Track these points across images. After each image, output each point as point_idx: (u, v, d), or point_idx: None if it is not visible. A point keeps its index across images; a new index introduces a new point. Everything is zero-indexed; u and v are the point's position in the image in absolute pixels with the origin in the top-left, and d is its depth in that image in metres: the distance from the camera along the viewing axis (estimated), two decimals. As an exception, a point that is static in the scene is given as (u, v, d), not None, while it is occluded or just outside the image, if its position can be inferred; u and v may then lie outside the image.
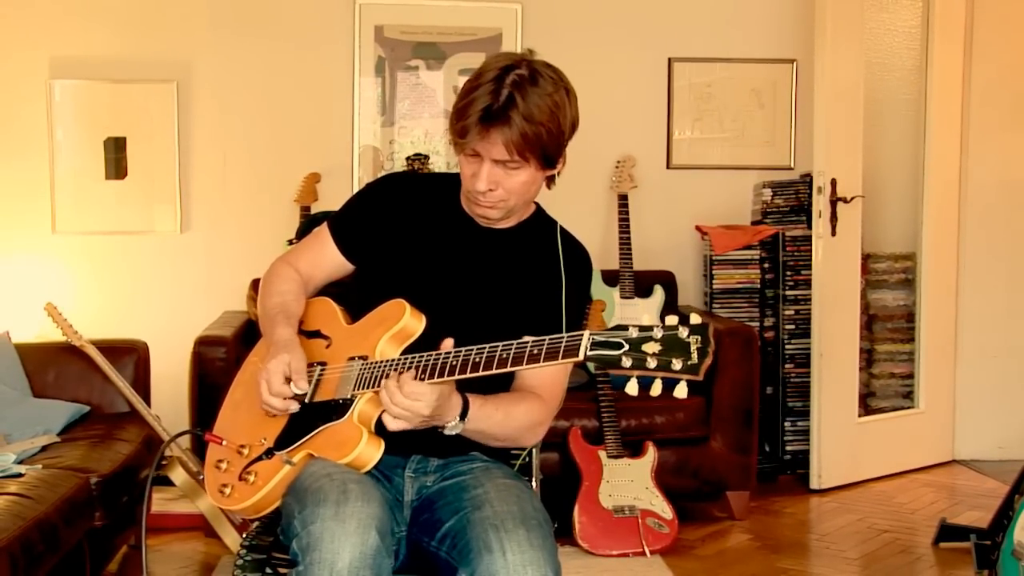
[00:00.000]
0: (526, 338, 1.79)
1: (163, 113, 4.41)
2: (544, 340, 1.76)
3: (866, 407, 4.71)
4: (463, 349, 1.82)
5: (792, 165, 4.74)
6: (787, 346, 4.50)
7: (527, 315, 2.06)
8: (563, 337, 1.74)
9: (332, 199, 4.04)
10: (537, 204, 2.19)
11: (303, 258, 2.22)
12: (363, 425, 1.91)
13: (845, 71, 4.33)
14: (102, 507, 2.95)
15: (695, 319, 1.68)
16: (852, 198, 4.36)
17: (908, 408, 4.79)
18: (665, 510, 3.67)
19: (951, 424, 4.85)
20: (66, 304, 3.77)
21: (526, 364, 1.76)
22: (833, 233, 4.33)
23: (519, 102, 1.91)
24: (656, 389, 1.69)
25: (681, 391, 1.68)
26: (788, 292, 4.49)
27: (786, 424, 4.50)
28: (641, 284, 4.26)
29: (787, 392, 4.50)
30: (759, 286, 4.50)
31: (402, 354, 1.95)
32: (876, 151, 4.68)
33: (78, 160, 4.38)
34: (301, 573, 1.75)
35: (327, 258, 2.20)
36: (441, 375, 1.82)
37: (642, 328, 1.69)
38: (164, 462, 3.43)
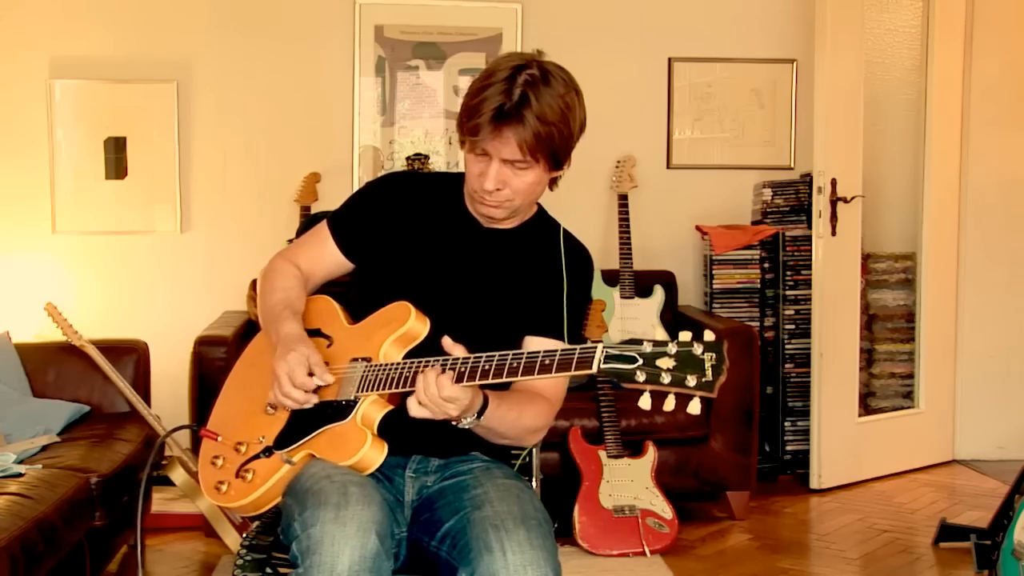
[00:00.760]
0: (537, 347, 1.78)
1: (163, 113, 4.41)
2: (557, 352, 1.76)
3: (866, 407, 4.71)
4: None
5: (792, 165, 4.74)
6: (787, 346, 4.50)
7: (528, 315, 2.06)
8: (576, 349, 1.74)
9: (332, 199, 4.04)
10: (539, 205, 2.18)
11: (302, 255, 2.21)
12: (366, 427, 1.90)
13: (845, 71, 4.33)
14: (102, 507, 2.95)
15: (709, 336, 1.69)
16: (852, 198, 4.36)
17: (908, 408, 4.79)
18: (665, 510, 3.67)
19: (951, 424, 4.85)
20: (66, 304, 3.77)
21: (538, 374, 1.76)
22: (833, 233, 4.33)
23: (533, 102, 1.90)
24: (669, 404, 1.69)
25: (695, 407, 1.69)
26: (788, 292, 4.49)
27: (786, 424, 4.50)
28: (641, 284, 4.26)
29: (787, 392, 4.51)
30: (759, 286, 4.50)
31: (405, 357, 1.95)
32: (876, 151, 4.68)
33: (78, 160, 4.38)
34: (301, 576, 1.75)
35: (327, 256, 2.18)
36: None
37: (656, 343, 1.69)
38: (164, 462, 3.43)
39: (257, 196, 4.49)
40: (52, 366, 3.55)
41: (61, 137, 4.37)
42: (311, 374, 1.95)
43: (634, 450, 3.77)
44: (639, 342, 1.70)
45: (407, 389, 1.87)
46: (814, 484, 4.36)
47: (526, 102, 1.90)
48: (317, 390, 1.96)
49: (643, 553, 3.57)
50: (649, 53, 4.68)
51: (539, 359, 1.77)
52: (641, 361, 1.68)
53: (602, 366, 1.70)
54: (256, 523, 2.08)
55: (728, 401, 3.92)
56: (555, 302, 2.08)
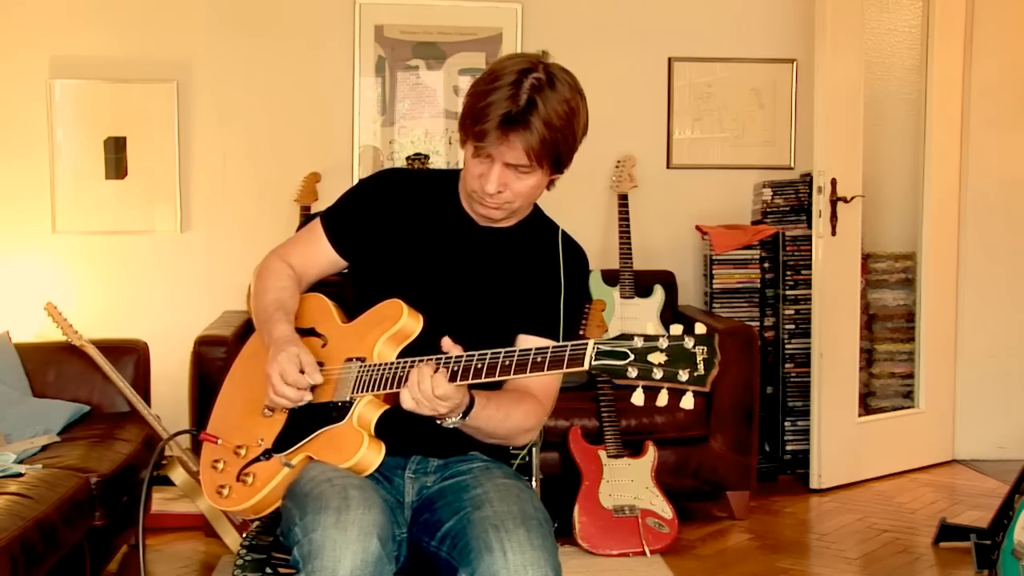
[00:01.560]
0: (530, 345, 1.77)
1: (163, 113, 4.41)
2: (548, 348, 1.75)
3: (866, 407, 4.71)
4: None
5: (792, 165, 4.74)
6: (787, 346, 4.50)
7: (522, 314, 2.06)
8: (567, 346, 1.73)
9: (332, 199, 4.00)
10: (536, 204, 2.18)
11: (295, 253, 2.20)
12: (363, 428, 1.90)
13: (845, 71, 4.33)
14: (102, 507, 2.95)
15: (700, 329, 1.67)
16: (852, 198, 4.36)
17: (908, 408, 4.79)
18: (665, 510, 3.67)
19: (951, 424, 4.85)
20: (66, 304, 3.77)
21: (529, 372, 1.75)
22: (833, 233, 4.33)
23: (540, 107, 1.89)
24: (662, 399, 1.68)
25: (688, 402, 1.67)
26: (788, 292, 4.49)
27: (786, 424, 4.50)
28: (641, 284, 4.26)
29: (787, 392, 4.51)
30: (759, 286, 4.50)
31: (399, 355, 1.94)
32: (876, 151, 4.68)
33: (78, 160, 4.38)
34: (302, 580, 1.75)
35: (320, 254, 2.17)
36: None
37: (647, 338, 1.68)
38: (164, 462, 3.43)
39: (257, 196, 4.49)
40: (52, 366, 3.56)
41: (61, 137, 4.37)
42: (303, 372, 1.95)
43: (634, 450, 3.77)
44: (630, 337, 1.68)
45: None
46: (814, 484, 4.36)
47: (533, 107, 1.88)
48: (313, 389, 1.96)
49: (643, 553, 3.57)
50: (649, 53, 4.68)
51: (531, 357, 1.76)
52: (632, 356, 1.67)
53: (594, 363, 1.68)
54: (256, 523, 2.08)
55: (728, 401, 3.92)
56: (550, 301, 2.08)
